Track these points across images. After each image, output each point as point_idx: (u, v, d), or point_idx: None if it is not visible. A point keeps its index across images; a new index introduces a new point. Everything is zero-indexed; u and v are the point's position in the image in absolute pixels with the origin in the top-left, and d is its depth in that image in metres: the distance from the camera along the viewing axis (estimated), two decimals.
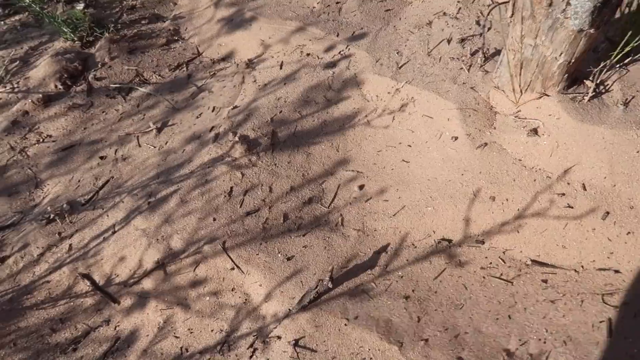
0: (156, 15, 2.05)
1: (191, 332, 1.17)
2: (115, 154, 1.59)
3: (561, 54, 1.13)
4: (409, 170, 1.39)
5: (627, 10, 1.27)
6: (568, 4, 0.97)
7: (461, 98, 1.41)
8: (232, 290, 1.22)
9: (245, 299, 1.20)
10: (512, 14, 1.17)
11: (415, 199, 1.34)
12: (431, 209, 1.31)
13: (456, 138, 1.36)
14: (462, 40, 1.59)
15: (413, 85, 1.52)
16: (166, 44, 1.93)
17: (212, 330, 1.17)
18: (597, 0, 0.92)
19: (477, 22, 1.60)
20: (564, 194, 1.17)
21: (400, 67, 1.61)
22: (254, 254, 1.26)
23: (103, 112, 1.72)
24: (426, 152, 1.41)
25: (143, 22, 2.01)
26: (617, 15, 1.41)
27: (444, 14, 1.74)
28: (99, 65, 1.84)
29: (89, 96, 1.76)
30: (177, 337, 1.17)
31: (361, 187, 1.42)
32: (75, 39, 1.90)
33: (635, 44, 1.25)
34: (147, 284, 1.26)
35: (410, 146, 1.44)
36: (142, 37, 1.94)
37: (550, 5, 1.01)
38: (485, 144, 1.32)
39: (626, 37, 1.22)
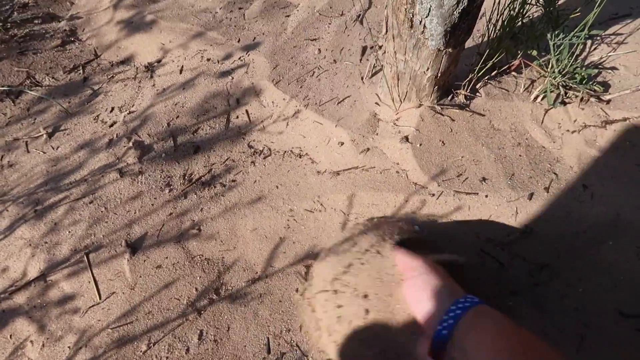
0: (51, 15, 1.97)
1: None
2: (1, 160, 1.53)
3: (428, 69, 1.24)
4: (302, 172, 1.46)
5: (492, 28, 1.40)
6: (425, 27, 1.07)
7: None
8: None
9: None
10: (387, 31, 1.27)
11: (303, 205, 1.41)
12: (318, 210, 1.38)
13: (342, 143, 1.45)
14: (362, 48, 1.68)
15: None
16: (61, 45, 1.86)
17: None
18: (447, 26, 1.03)
19: (370, 32, 1.70)
20: (433, 195, 1.29)
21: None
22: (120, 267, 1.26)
23: None
24: (315, 156, 1.48)
25: (36, 21, 1.93)
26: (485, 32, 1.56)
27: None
28: None
29: None
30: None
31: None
32: None
33: (497, 59, 1.40)
34: (20, 297, 1.23)
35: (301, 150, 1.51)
36: (35, 37, 1.86)
37: (411, 27, 1.11)
38: (368, 149, 1.41)
39: (485, 54, 1.36)
